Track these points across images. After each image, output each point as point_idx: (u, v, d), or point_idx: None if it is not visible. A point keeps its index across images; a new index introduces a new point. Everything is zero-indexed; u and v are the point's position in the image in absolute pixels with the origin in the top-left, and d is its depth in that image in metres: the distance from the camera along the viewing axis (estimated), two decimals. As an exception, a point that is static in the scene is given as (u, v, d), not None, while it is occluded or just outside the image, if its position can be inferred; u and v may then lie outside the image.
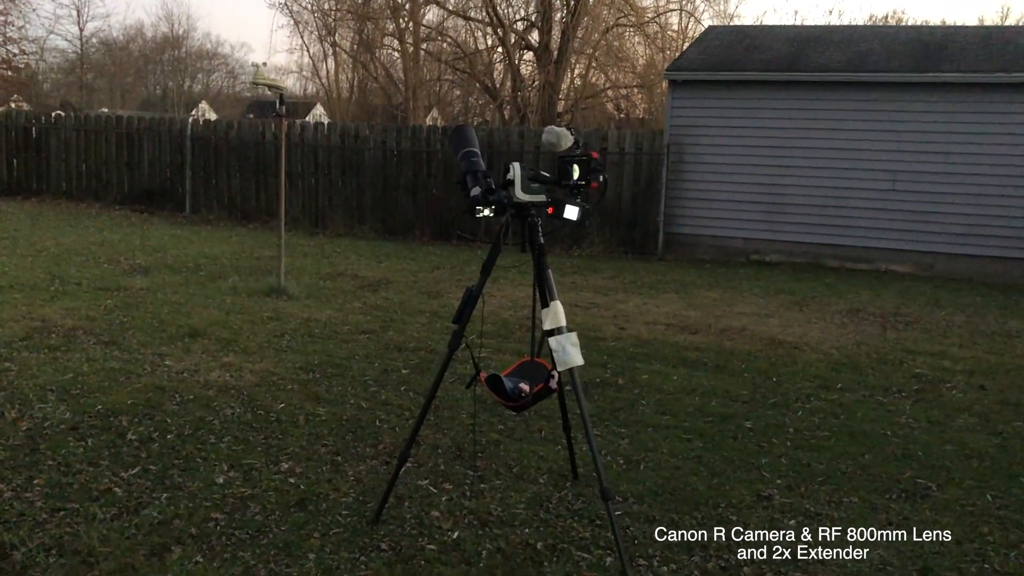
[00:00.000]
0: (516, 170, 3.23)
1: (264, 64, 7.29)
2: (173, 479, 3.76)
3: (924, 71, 11.40)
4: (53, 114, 17.33)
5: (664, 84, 26.46)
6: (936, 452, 4.54)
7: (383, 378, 5.50)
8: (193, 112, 49.17)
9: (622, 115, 27.61)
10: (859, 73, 11.68)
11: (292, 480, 3.80)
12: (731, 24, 22.85)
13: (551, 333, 3.20)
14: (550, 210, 3.20)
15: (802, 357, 6.58)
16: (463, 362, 5.30)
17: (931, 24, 13.18)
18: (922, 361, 6.60)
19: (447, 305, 7.86)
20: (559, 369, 3.22)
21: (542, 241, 3.26)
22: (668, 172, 12.42)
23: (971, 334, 7.70)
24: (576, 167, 3.16)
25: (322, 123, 15.70)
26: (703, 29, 18.44)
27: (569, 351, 3.14)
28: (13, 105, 33.00)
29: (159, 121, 16.30)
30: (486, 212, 3.15)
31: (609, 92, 28.09)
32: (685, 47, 20.77)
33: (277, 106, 7.86)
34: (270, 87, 7.67)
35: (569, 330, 3.21)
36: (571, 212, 3.17)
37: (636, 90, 27.91)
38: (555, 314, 3.19)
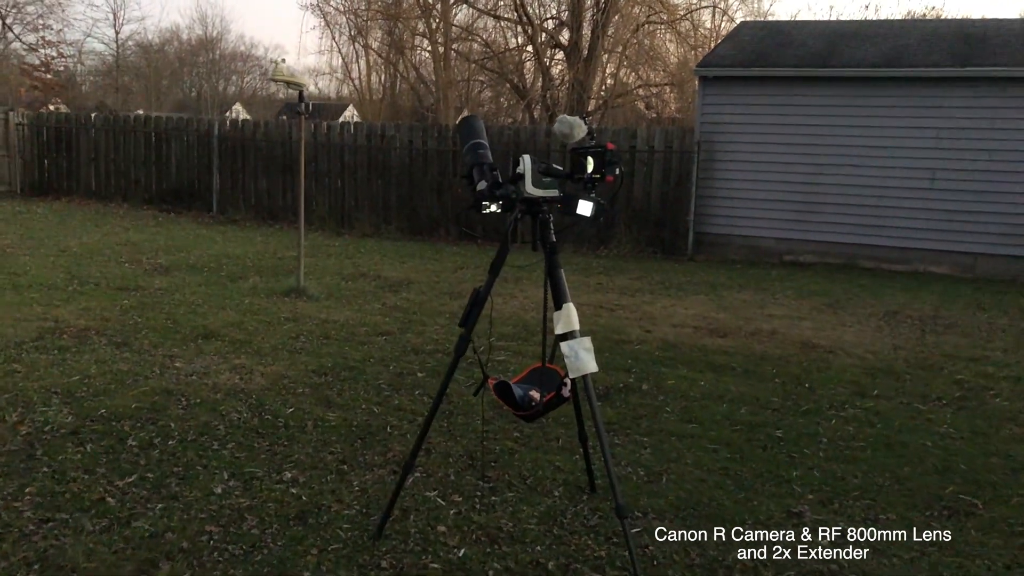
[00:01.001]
0: (526, 163, 3.02)
1: (283, 60, 7.14)
2: (170, 488, 3.60)
3: (965, 65, 11.01)
4: (93, 115, 17.40)
5: (696, 82, 26.20)
6: (980, 465, 4.26)
7: (397, 382, 5.31)
8: (227, 113, 49.57)
9: (654, 114, 27.26)
10: (897, 68, 11.31)
11: (294, 490, 3.62)
12: (764, 20, 22.41)
13: (563, 338, 2.98)
14: (562, 206, 2.99)
15: (836, 362, 6.30)
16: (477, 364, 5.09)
17: (971, 18, 12.73)
18: (963, 367, 6.29)
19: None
20: (572, 376, 3.00)
21: (554, 239, 3.05)
22: (698, 170, 12.13)
23: (1016, 338, 7.36)
24: (590, 159, 2.94)
25: (348, 123, 15.60)
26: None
27: (582, 357, 2.92)
28: (52, 107, 33.42)
29: (187, 121, 16.29)
30: (493, 208, 2.95)
31: (640, 91, 27.74)
32: (716, 41, 20.43)
33: (298, 104, 7.70)
34: (289, 84, 7.52)
35: (582, 334, 2.99)
36: (584, 208, 2.95)
37: (668, 89, 27.55)
38: (567, 317, 2.97)
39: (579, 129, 2.95)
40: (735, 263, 11.79)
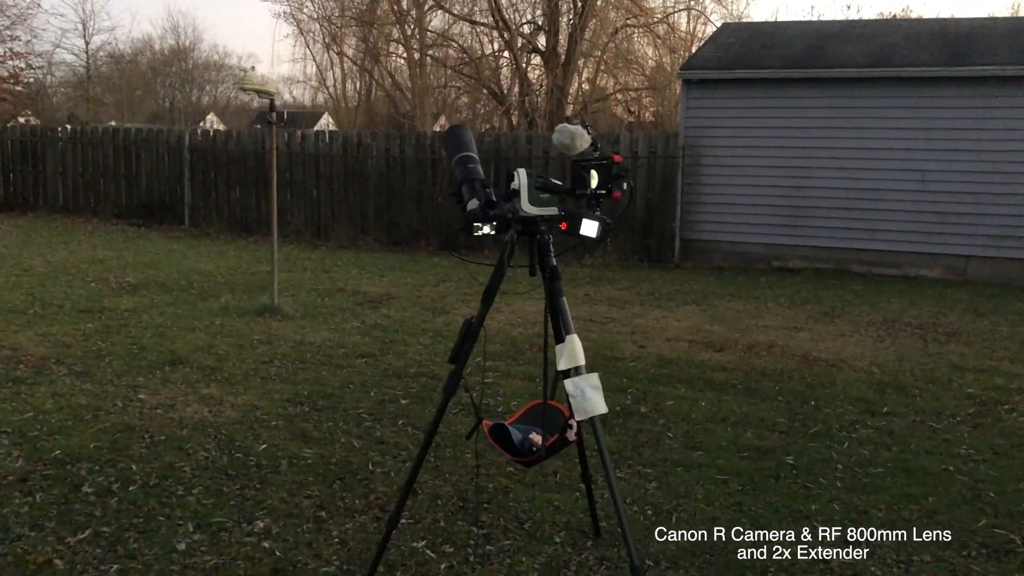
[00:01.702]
0: (522, 178, 2.69)
1: (253, 68, 6.78)
2: (127, 545, 3.22)
3: (954, 65, 10.82)
4: (60, 127, 16.90)
5: (676, 86, 25.98)
6: (1010, 493, 3.96)
7: (379, 410, 4.95)
8: (201, 123, 48.86)
9: (633, 118, 27.03)
10: (884, 68, 11.10)
11: (266, 544, 3.25)
12: (746, 22, 22.22)
13: (567, 374, 2.64)
14: (563, 226, 2.65)
15: (840, 376, 6.01)
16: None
17: (956, 17, 12.51)
18: (972, 379, 6.01)
19: (452, 323, 7.31)
20: (578, 419, 2.66)
21: (554, 263, 2.71)
22: (684, 176, 11.86)
23: (1020, 346, 7.10)
24: (594, 173, 2.61)
25: (323, 131, 15.21)
26: (714, 29, 17.87)
27: (590, 396, 2.59)
28: (22, 120, 32.77)
29: (157, 132, 15.85)
30: (485, 229, 2.61)
31: (619, 95, 27.51)
32: (696, 47, 20.23)
33: (269, 112, 7.34)
34: (260, 93, 7.15)
35: (589, 370, 2.65)
36: (589, 228, 2.62)
37: (646, 93, 27.32)
38: (572, 351, 2.64)
39: (581, 139, 2.62)
40: (723, 270, 11.51)
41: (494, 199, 2.58)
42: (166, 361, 5.83)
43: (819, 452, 4.46)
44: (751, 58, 12.15)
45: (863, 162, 11.18)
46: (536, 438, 2.87)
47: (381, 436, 4.51)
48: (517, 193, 2.67)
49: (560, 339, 2.67)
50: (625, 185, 2.58)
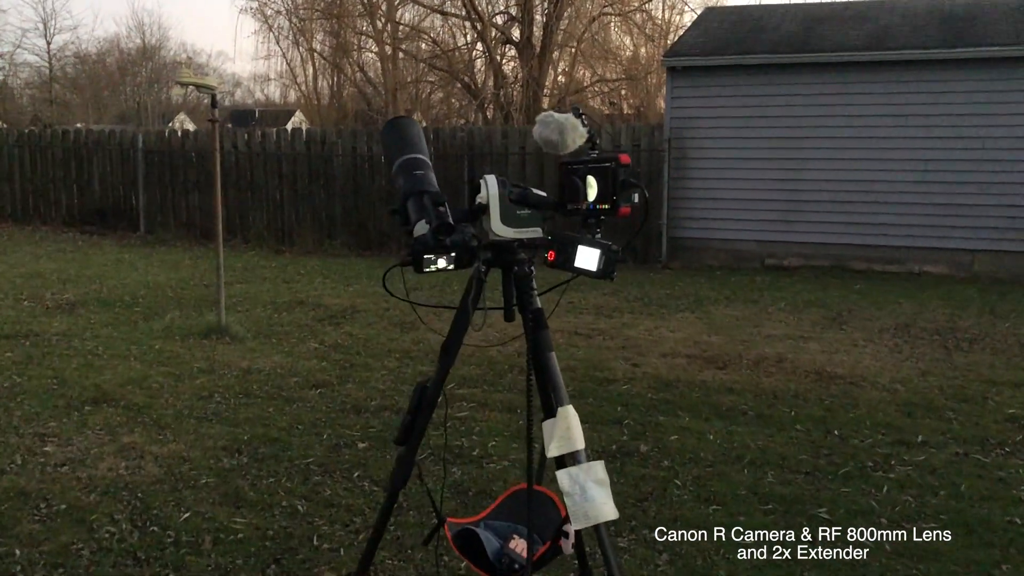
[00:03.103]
0: (491, 187, 1.94)
1: (189, 59, 5.97)
2: None
3: (955, 46, 10.14)
4: (4, 130, 15.94)
5: (654, 77, 25.30)
6: (1100, 556, 3.25)
7: (331, 459, 4.17)
8: (171, 124, 47.51)
9: (615, 111, 26.29)
10: (880, 52, 10.42)
11: (167, 672, 2.48)
12: (729, 6, 21.52)
13: (560, 462, 1.89)
14: (550, 255, 1.90)
15: (862, 397, 5.29)
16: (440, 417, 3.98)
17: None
18: (1009, 396, 5.32)
19: (422, 341, 6.54)
20: (576, 526, 1.91)
21: (538, 304, 1.95)
22: (670, 170, 11.12)
23: (1052, 353, 6.43)
24: (592, 180, 1.86)
25: (285, 130, 14.38)
26: (694, 18, 17.16)
27: (593, 496, 1.85)
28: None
29: (109, 134, 14.92)
30: (440, 264, 1.86)
31: (596, 87, 26.74)
32: (675, 36, 19.54)
33: (210, 110, 6.53)
34: (199, 87, 6.34)
35: (592, 456, 1.90)
36: (586, 258, 1.87)
37: (624, 85, 26.56)
38: (566, 431, 1.89)
39: (573, 133, 1.87)
40: (714, 270, 10.79)
41: (451, 221, 1.82)
42: (88, 399, 5.02)
43: (855, 501, 3.73)
44: (739, 43, 11.43)
45: (861, 152, 10.49)
46: (517, 546, 2.12)
47: (331, 496, 3.74)
48: (485, 209, 1.91)
49: (549, 411, 1.92)
50: (637, 197, 1.82)
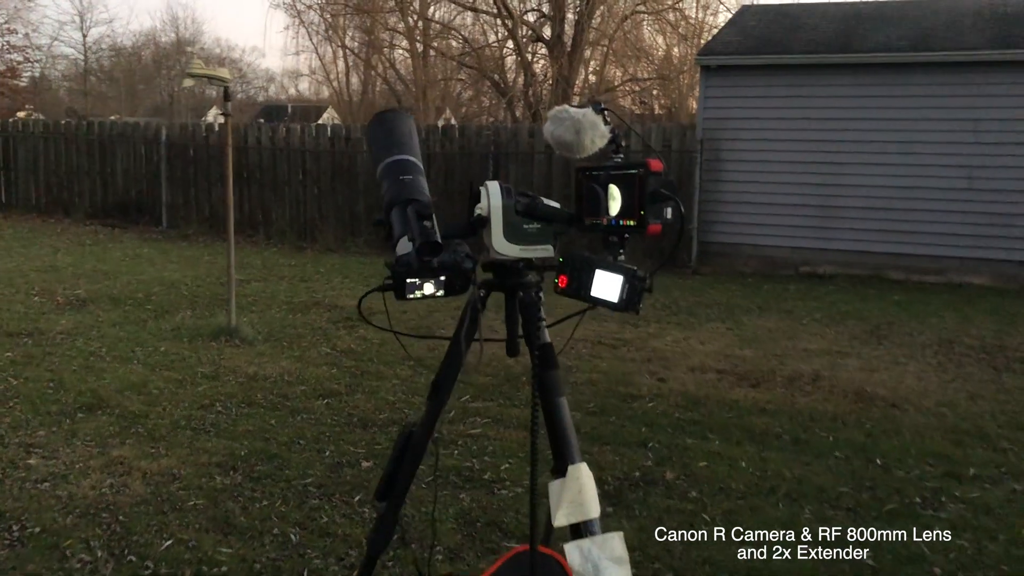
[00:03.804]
0: (493, 195, 1.62)
1: (201, 50, 5.69)
2: None
3: (1002, 48, 9.67)
4: (31, 122, 15.88)
5: (686, 77, 24.83)
6: None
7: (331, 480, 3.88)
8: (203, 117, 47.56)
9: (645, 111, 25.86)
10: (924, 53, 9.97)
11: None
12: (766, 4, 21.04)
13: (576, 530, 1.57)
14: (561, 280, 1.58)
15: (905, 421, 4.91)
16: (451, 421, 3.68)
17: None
18: (1068, 424, 4.92)
19: (436, 348, 6.21)
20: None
21: (547, 338, 1.64)
22: (702, 172, 10.75)
23: (1110, 376, 6.00)
24: (615, 190, 1.53)
25: (309, 125, 14.16)
26: (729, 17, 16.71)
27: (608, 574, 1.51)
28: (21, 114, 31.88)
29: (133, 127, 14.79)
30: (427, 290, 1.56)
31: (627, 86, 26.31)
32: (709, 36, 19.10)
33: (223, 103, 6.28)
34: (210, 79, 6.08)
35: (607, 527, 1.57)
36: (606, 285, 1.54)
37: (655, 84, 26.11)
38: (577, 495, 1.57)
39: (592, 133, 1.55)
40: (746, 276, 10.39)
41: (438, 238, 1.51)
42: (82, 405, 4.77)
43: (905, 547, 3.37)
44: (776, 42, 11.02)
45: (902, 157, 10.05)
46: (518, 624, 1.80)
47: (328, 523, 3.44)
48: (485, 222, 1.60)
49: (559, 469, 1.60)
50: (669, 212, 1.50)
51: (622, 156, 1.58)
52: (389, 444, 4.30)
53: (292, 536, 3.33)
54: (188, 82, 6.03)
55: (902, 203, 10.07)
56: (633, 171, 1.53)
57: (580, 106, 1.61)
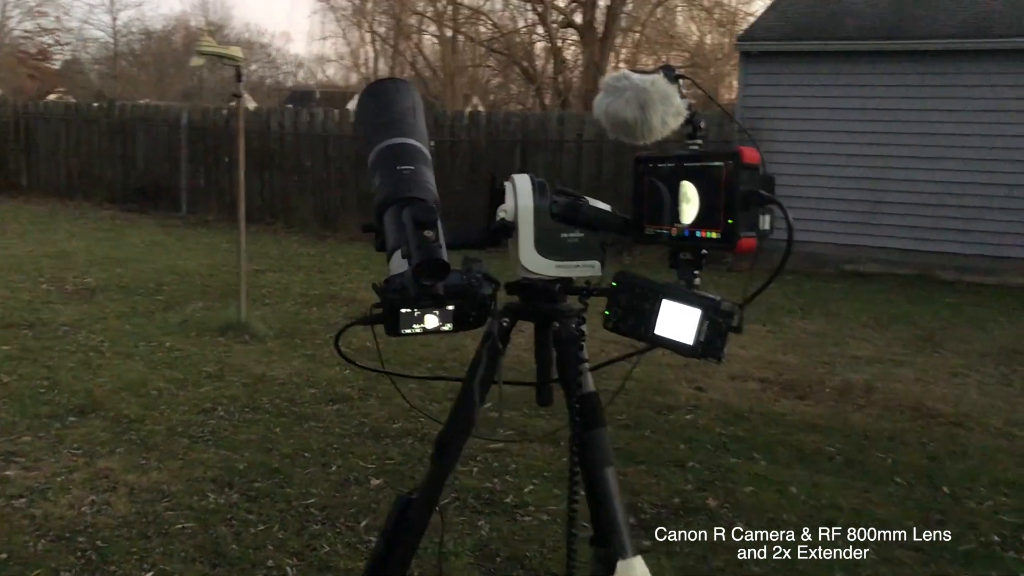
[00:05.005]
0: (522, 193, 1.20)
1: (212, 28, 5.31)
2: None
3: (1067, 35, 9.08)
4: (51, 103, 15.67)
5: (721, 65, 24.20)
6: None
7: (336, 500, 3.49)
8: (232, 102, 47.11)
9: (720, 109, 25.22)
10: (981, 40, 9.40)
11: None
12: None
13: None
14: (612, 311, 1.16)
15: (971, 442, 4.45)
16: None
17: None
18: None
19: (458, 349, 5.83)
20: None
21: (591, 386, 1.22)
22: (740, 164, 10.23)
23: None
24: (689, 188, 1.11)
25: (332, 110, 13.78)
26: (764, 6, 16.09)
27: None
28: (52, 97, 31.91)
29: (154, 109, 14.52)
30: (430, 323, 1.14)
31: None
32: (746, 25, 18.47)
33: (236, 83, 5.90)
34: (221, 57, 5.71)
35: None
36: (677, 321, 1.13)
37: (688, 72, 25.44)
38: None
39: (664, 108, 1.13)
40: (787, 274, 9.81)
41: (443, 256, 1.09)
42: (75, 407, 4.42)
43: (988, 598, 2.93)
44: (820, 27, 10.48)
45: (954, 150, 9.49)
46: None
47: (328, 554, 3.05)
48: (511, 230, 1.18)
49: (599, 542, 1.19)
50: (767, 223, 1.08)
51: (701, 142, 1.17)
52: (402, 459, 3.93)
53: (288, 569, 2.94)
54: (197, 60, 5.67)
55: (955, 199, 9.51)
56: (717, 163, 1.11)
57: (641, 72, 1.19)
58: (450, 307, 1.18)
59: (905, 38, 9.78)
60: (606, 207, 1.27)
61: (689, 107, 1.19)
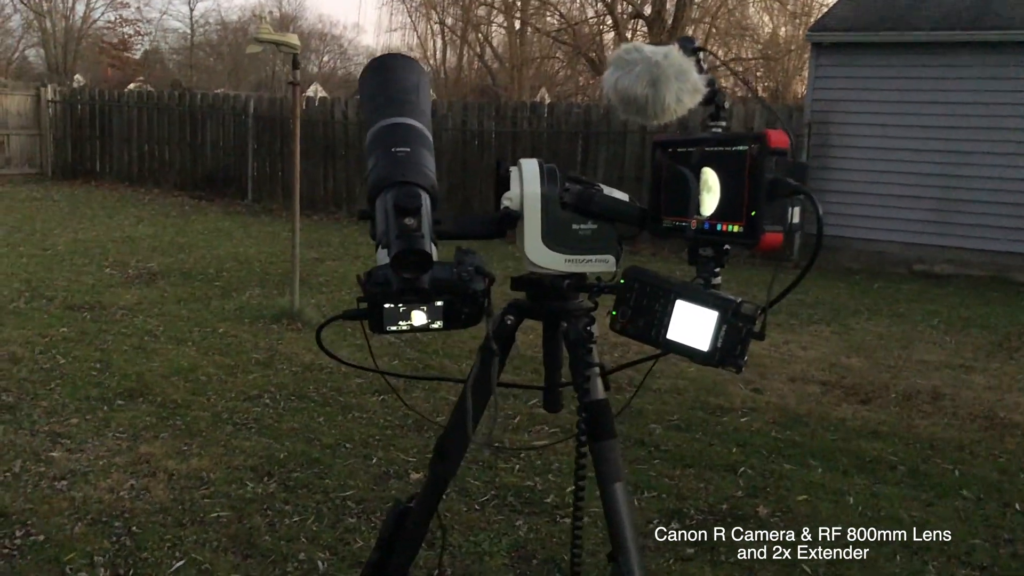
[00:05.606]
0: (528, 180, 1.10)
1: (270, 13, 5.31)
2: None
3: None
4: (127, 90, 16.05)
5: (793, 58, 23.61)
6: None
7: (375, 493, 3.43)
8: (305, 92, 47.81)
9: (750, 93, 24.71)
10: (1070, 31, 8.92)
11: None
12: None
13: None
14: (620, 311, 1.05)
15: (1047, 455, 4.19)
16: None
17: None
18: None
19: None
20: None
21: (600, 394, 1.11)
22: (808, 158, 9.91)
23: None
24: (710, 175, 1.00)
25: (397, 100, 13.77)
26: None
27: None
28: (132, 86, 32.75)
29: (223, 98, 14.73)
30: (417, 320, 1.05)
31: (730, 66, 25.18)
32: (818, 16, 17.95)
33: (292, 71, 5.90)
34: (278, 44, 5.70)
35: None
36: (692, 324, 1.01)
37: (759, 65, 24.92)
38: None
39: (677, 85, 1.01)
40: (853, 273, 9.55)
41: (425, 246, 1.00)
42: (124, 391, 4.46)
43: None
44: (896, 17, 10.07)
45: (1037, 147, 9.05)
46: None
47: (362, 549, 2.99)
48: (517, 219, 1.08)
49: (615, 558, 1.08)
50: (795, 215, 0.95)
51: (725, 124, 1.05)
52: (443, 453, 3.85)
53: (319, 563, 2.89)
54: (255, 48, 5.67)
55: (1034, 198, 9.07)
56: (741, 147, 0.99)
57: (651, 43, 1.06)
58: (438, 303, 1.08)
59: (987, 29, 9.34)
60: (623, 196, 1.15)
61: (710, 83, 1.07)
